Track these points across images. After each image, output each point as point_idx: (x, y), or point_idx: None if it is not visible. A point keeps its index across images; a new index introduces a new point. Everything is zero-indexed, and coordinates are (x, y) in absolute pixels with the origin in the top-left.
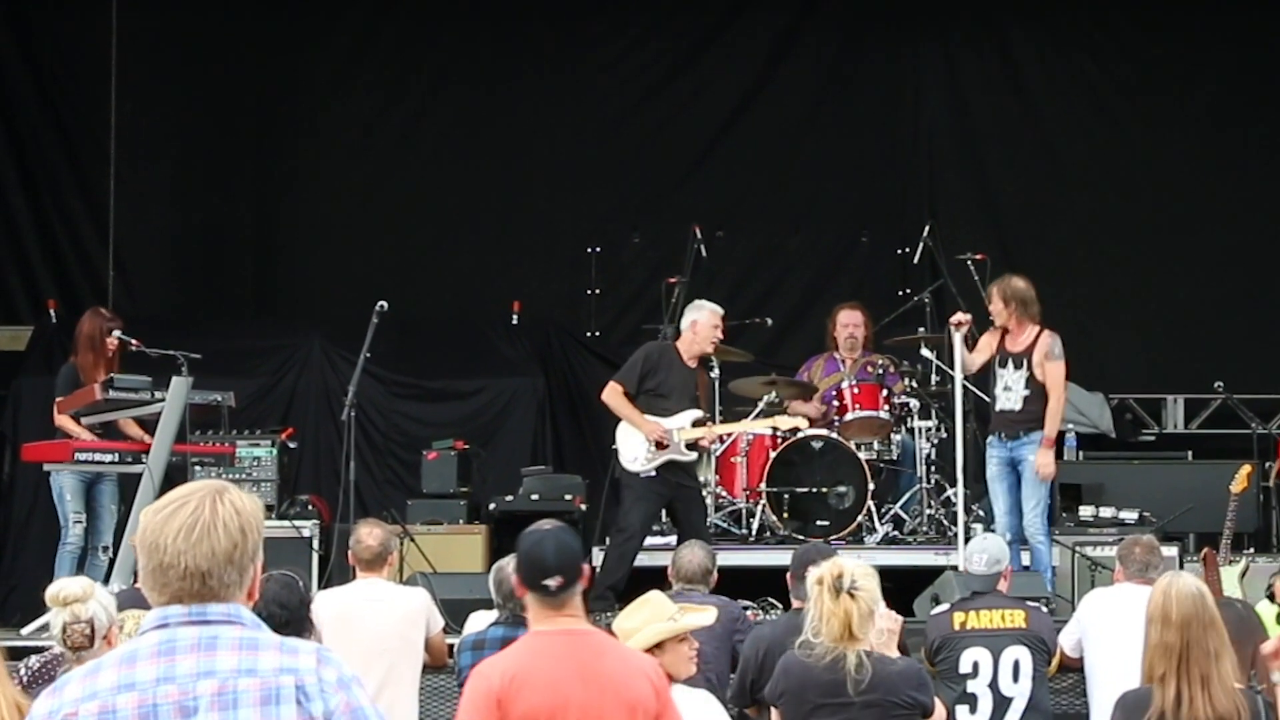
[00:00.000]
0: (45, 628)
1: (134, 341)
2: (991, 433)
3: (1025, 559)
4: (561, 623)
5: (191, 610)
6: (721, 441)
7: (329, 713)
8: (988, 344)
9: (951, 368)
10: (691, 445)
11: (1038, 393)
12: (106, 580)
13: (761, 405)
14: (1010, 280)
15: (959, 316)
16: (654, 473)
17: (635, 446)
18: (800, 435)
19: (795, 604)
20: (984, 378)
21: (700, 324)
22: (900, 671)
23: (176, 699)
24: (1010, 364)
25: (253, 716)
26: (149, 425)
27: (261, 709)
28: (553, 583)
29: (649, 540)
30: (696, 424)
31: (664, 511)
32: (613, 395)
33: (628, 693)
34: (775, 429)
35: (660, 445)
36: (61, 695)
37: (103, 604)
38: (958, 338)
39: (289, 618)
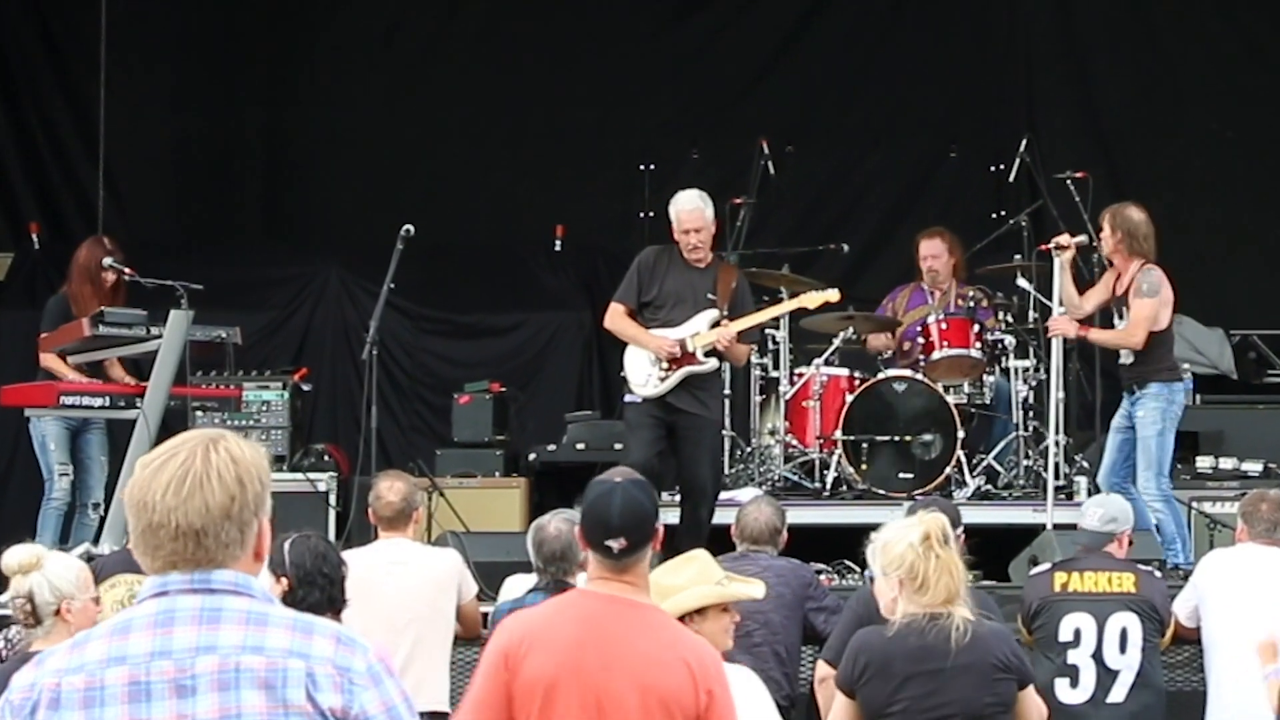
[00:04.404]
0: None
1: (127, 270)
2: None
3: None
4: (613, 587)
5: (194, 577)
6: (740, 351)
7: (358, 712)
8: (1106, 285)
9: (1052, 300)
10: (710, 352)
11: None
12: (96, 541)
13: (837, 343)
14: (1123, 207)
15: (1059, 239)
16: (639, 400)
17: (645, 367)
18: (881, 377)
19: None
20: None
21: (673, 218)
22: (991, 629)
23: (172, 677)
24: (1122, 310)
25: (255, 700)
26: (141, 367)
27: (265, 692)
28: (615, 545)
29: None
30: (715, 327)
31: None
32: (613, 318)
33: (650, 680)
34: (804, 308)
35: (674, 362)
36: (43, 667)
37: (50, 578)
38: (1058, 264)
39: (329, 589)
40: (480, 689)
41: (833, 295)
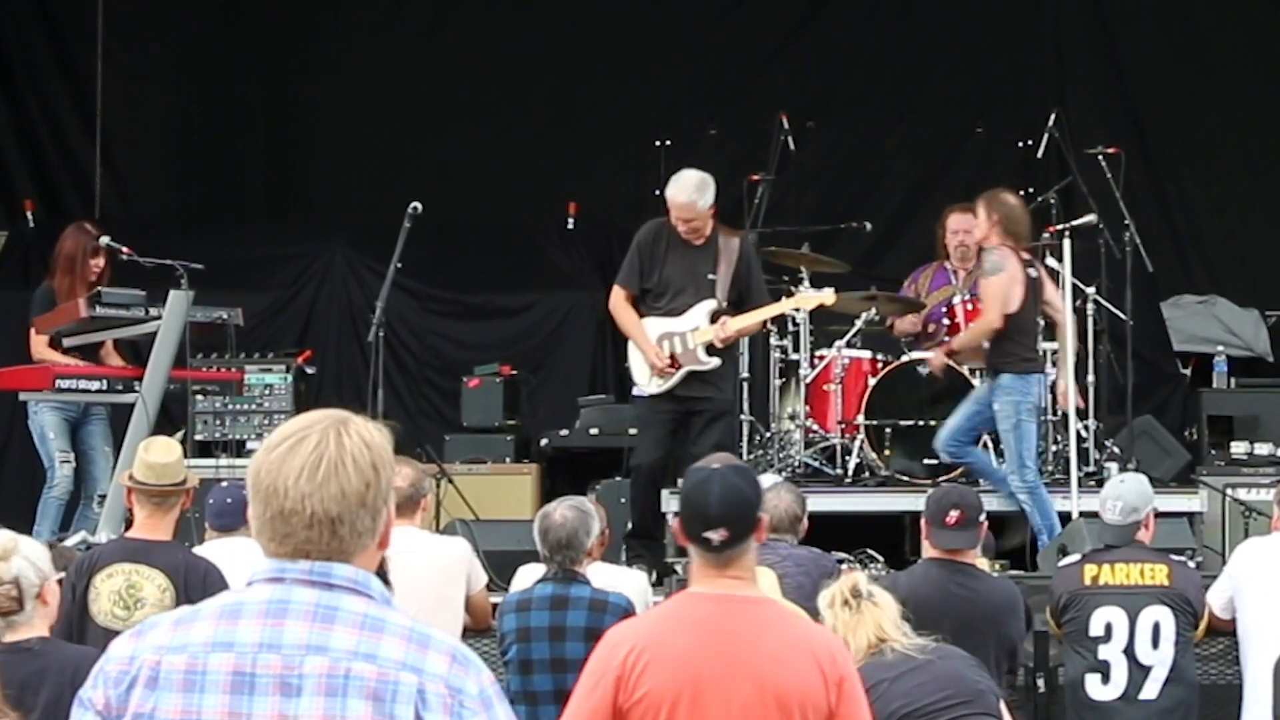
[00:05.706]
0: None
1: (124, 249)
2: None
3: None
4: (722, 585)
5: (314, 569)
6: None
7: None
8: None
9: (1083, 282)
10: (711, 349)
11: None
12: (94, 531)
13: (860, 324)
14: (998, 192)
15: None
16: (647, 395)
17: (646, 366)
18: (905, 359)
19: (931, 553)
20: (1119, 293)
21: (668, 201)
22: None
23: (279, 673)
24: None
25: (361, 710)
26: (139, 350)
27: (373, 703)
28: (715, 536)
29: None
30: (715, 319)
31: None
32: (616, 305)
33: (776, 681)
34: (798, 309)
35: (674, 360)
36: (143, 640)
37: (30, 559)
38: None
39: None
40: (585, 710)
41: (828, 298)
